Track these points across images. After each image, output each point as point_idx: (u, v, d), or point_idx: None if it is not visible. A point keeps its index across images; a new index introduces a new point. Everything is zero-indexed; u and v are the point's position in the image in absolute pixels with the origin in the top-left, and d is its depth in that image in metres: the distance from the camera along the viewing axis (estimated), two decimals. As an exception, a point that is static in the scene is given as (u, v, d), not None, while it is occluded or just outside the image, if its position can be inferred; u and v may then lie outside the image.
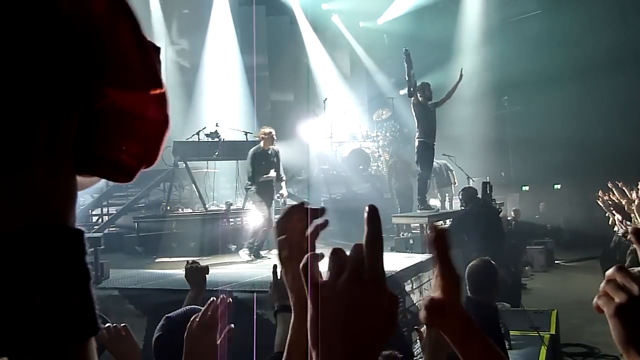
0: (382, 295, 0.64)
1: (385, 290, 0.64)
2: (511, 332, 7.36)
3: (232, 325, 1.69)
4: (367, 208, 0.67)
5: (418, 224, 7.50)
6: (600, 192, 10.07)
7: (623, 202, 8.99)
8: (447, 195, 12.21)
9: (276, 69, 16.82)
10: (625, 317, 0.84)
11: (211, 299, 1.69)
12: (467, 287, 3.91)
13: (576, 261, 14.55)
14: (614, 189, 9.97)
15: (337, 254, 0.67)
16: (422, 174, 8.48)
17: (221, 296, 1.68)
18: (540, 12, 17.71)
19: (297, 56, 17.07)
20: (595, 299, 0.90)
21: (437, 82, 12.45)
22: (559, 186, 18.91)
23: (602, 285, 0.90)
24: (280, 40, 16.89)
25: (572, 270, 13.69)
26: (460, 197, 7.92)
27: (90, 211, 10.99)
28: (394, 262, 6.64)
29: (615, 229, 9.64)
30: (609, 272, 0.89)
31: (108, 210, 11.11)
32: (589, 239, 14.68)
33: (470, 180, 11.86)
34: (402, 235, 7.66)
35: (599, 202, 9.76)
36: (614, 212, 9.01)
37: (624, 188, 9.57)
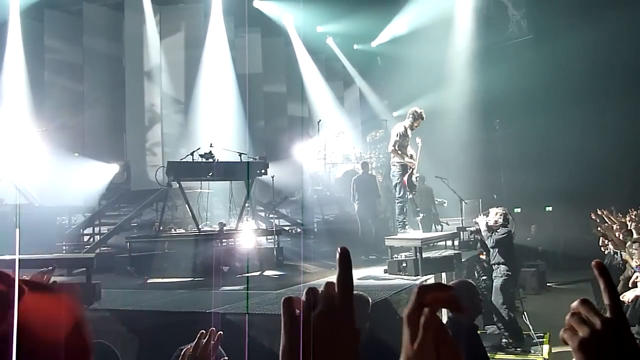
0: (348, 329, 0.70)
1: (351, 326, 0.71)
2: (503, 357, 7.37)
3: (227, 359, 1.69)
4: (339, 250, 0.72)
5: (412, 246, 7.50)
6: (593, 215, 10.18)
7: (614, 227, 9.09)
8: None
9: (270, 90, 16.94)
10: (588, 351, 0.82)
11: (200, 332, 1.68)
12: None
13: (568, 284, 14.56)
14: (602, 216, 10.14)
15: (311, 292, 0.73)
16: (402, 197, 8.53)
17: (211, 329, 1.67)
18: (532, 37, 18.00)
19: (291, 78, 17.21)
20: (561, 332, 0.88)
21: (430, 105, 12.59)
22: (550, 208, 19.00)
23: (567, 318, 0.88)
24: (275, 62, 17.05)
25: (564, 292, 13.69)
26: (502, 218, 8.27)
27: (81, 231, 10.93)
28: (387, 285, 6.65)
29: (607, 251, 9.73)
30: (574, 304, 0.86)
31: (100, 230, 11.05)
32: (581, 262, 14.68)
33: (463, 202, 11.92)
34: (395, 257, 7.66)
35: (598, 220, 9.89)
36: (606, 235, 9.11)
37: (610, 216, 9.73)
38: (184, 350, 1.63)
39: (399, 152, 8.37)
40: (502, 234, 8.13)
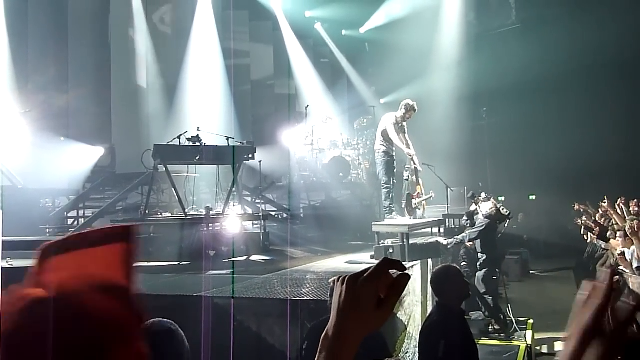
0: None
1: None
2: (487, 342, 7.48)
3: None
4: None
5: (398, 232, 7.53)
6: (576, 205, 10.32)
7: (597, 216, 9.21)
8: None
9: (258, 74, 16.83)
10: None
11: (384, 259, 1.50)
12: (433, 292, 4.02)
13: (550, 271, 14.78)
14: (582, 209, 10.28)
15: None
16: (388, 183, 8.56)
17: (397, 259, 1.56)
18: (520, 26, 18.05)
19: (279, 62, 17.11)
20: None
21: (417, 93, 12.60)
22: (534, 197, 19.20)
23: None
24: (263, 45, 16.93)
25: (546, 280, 13.90)
26: (492, 210, 8.41)
27: (66, 214, 10.82)
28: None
29: (589, 240, 9.88)
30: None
31: (84, 213, 10.95)
32: (563, 250, 14.95)
33: (449, 189, 11.98)
34: (382, 243, 7.69)
35: (581, 211, 10.02)
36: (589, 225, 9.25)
37: (589, 209, 9.89)
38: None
39: (389, 141, 8.42)
40: (480, 225, 8.29)
